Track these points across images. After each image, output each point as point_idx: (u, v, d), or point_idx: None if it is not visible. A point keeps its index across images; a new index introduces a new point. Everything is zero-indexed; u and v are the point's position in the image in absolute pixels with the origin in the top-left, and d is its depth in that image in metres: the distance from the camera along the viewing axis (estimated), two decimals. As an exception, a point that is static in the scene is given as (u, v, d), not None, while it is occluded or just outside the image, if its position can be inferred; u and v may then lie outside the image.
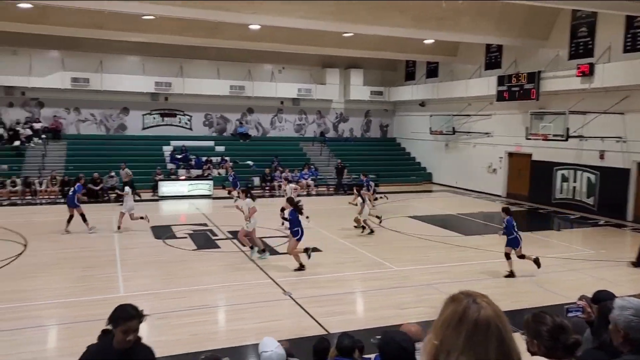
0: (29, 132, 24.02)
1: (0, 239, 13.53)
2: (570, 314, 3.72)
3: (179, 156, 25.18)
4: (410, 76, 29.90)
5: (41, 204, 19.58)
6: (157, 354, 3.62)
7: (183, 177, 23.19)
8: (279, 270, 11.18)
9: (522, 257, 10.92)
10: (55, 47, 24.29)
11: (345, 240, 14.26)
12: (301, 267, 11.12)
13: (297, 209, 11.28)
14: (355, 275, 11.36)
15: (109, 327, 3.37)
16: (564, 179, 20.17)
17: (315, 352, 4.56)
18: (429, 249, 13.61)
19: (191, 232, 15.14)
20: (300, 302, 9.22)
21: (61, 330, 7.97)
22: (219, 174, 24.69)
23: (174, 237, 14.45)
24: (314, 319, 8.44)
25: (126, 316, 3.32)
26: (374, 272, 11.46)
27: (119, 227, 14.81)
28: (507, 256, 10.93)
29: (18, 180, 20.65)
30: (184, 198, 21.73)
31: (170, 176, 23.37)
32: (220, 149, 26.89)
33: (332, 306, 9.12)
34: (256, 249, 12.28)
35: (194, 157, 25.32)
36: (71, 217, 14.45)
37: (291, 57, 26.73)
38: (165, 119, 27.34)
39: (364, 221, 15.17)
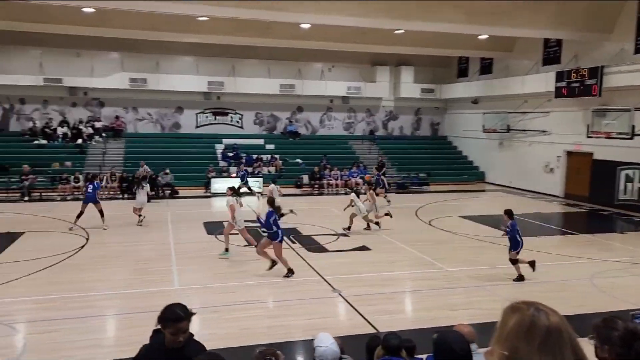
0: (90, 130, 25.18)
1: (64, 232, 14.24)
2: (637, 320, 3.51)
3: (230, 154, 25.69)
4: (462, 73, 29.23)
5: (101, 199, 20.28)
6: (210, 347, 3.67)
7: (234, 175, 23.63)
8: (328, 267, 11.18)
9: (515, 262, 10.32)
10: (115, 49, 25.33)
11: (394, 239, 14.10)
12: (289, 272, 10.42)
13: (276, 211, 10.61)
14: (405, 274, 11.21)
15: (159, 327, 3.36)
16: (629, 179, 19.13)
17: (368, 350, 4.52)
18: (481, 249, 13.26)
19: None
20: (349, 300, 9.19)
21: (120, 320, 8.29)
22: (268, 171, 25.01)
23: (225, 233, 14.73)
24: (363, 317, 8.40)
25: (175, 318, 3.29)
26: (424, 271, 11.28)
27: (140, 222, 15.30)
28: (514, 262, 10.38)
29: (80, 177, 21.64)
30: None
31: (222, 173, 23.87)
32: (270, 147, 27.23)
33: (382, 305, 9.04)
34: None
35: (244, 155, 25.75)
36: (82, 213, 14.65)
37: (341, 55, 26.70)
38: (218, 117, 27.97)
39: (364, 217, 14.81)
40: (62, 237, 13.66)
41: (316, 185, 24.01)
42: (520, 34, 19.56)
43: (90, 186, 15.10)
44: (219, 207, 20.14)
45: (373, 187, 16.49)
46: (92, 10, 17.91)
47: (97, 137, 25.10)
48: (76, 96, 25.77)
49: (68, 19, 18.91)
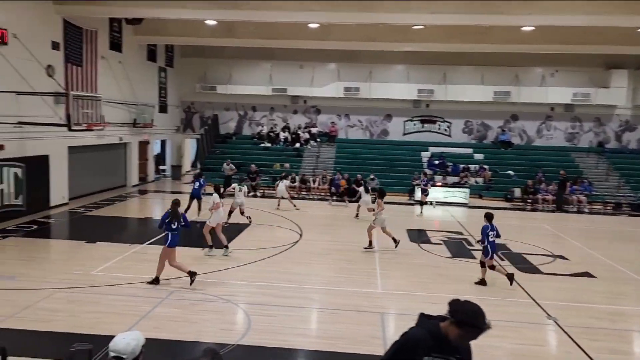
0: (307, 135, 27.45)
1: (283, 227, 15.68)
2: None
3: (437, 162, 25.33)
4: None
5: (313, 199, 22.02)
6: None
7: (439, 184, 23.22)
8: (542, 291, 10.14)
9: (492, 267, 10.40)
10: (333, 60, 27.21)
11: (626, 269, 12.13)
12: (155, 281, 9.51)
13: (172, 214, 9.59)
14: (640, 311, 9.54)
15: (450, 318, 3.14)
16: None
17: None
18: None
19: (445, 239, 15.01)
20: (567, 330, 8.17)
21: (326, 314, 8.70)
22: (476, 182, 23.98)
23: (428, 242, 14.53)
24: (585, 352, 7.37)
25: (485, 328, 3.11)
26: (668, 312, 9.43)
27: (226, 223, 14.51)
28: (482, 264, 10.51)
29: (297, 177, 23.68)
30: (439, 204, 21.74)
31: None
32: (479, 156, 26.09)
33: (609, 342, 7.82)
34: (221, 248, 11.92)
35: (451, 164, 25.14)
36: (189, 207, 15.67)
37: (566, 59, 24.27)
38: (425, 125, 27.88)
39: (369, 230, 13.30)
40: (280, 231, 15.06)
41: (529, 200, 22.15)
42: None
43: (197, 183, 16.15)
44: (422, 216, 20.02)
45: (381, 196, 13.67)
46: (316, 25, 19.48)
47: (312, 142, 27.24)
48: (297, 104, 28.39)
49: (295, 34, 20.93)
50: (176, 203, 9.82)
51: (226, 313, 8.45)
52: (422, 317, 3.35)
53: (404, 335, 3.32)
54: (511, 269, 11.78)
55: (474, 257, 12.85)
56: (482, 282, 10.51)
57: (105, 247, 12.28)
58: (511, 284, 10.30)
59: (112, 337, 3.16)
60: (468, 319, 3.12)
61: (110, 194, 20.61)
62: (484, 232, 10.30)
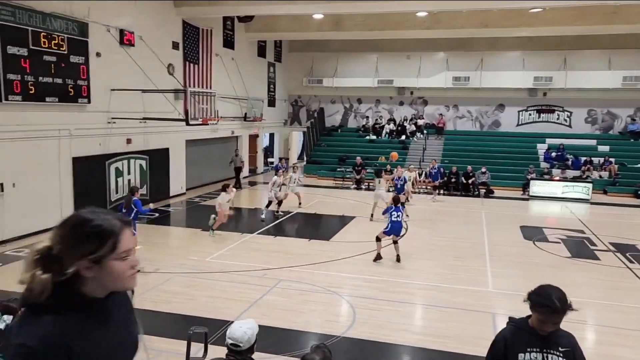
0: (413, 127, 26.86)
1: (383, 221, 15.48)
2: None
3: (554, 155, 23.57)
4: None
5: (419, 193, 21.47)
6: None
7: (557, 178, 21.57)
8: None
9: (395, 242, 11.17)
10: (441, 49, 26.30)
11: None
12: None
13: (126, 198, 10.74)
14: None
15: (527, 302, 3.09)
16: None
17: None
18: None
19: (564, 237, 13.90)
20: None
21: (432, 311, 8.43)
22: (600, 176, 21.95)
23: (545, 240, 13.55)
24: None
25: (556, 307, 2.97)
26: None
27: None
28: (377, 239, 11.07)
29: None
30: (557, 200, 20.23)
31: (543, 175, 22.10)
32: (603, 148, 23.83)
33: None
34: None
35: (571, 156, 23.25)
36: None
37: None
38: (542, 115, 26.03)
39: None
40: (385, 224, 14.85)
41: (663, 197, 19.83)
42: None
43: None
44: (538, 212, 18.75)
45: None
46: (424, 13, 18.92)
47: (418, 134, 26.61)
48: (403, 95, 27.87)
49: (402, 24, 20.49)
50: (131, 190, 10.59)
51: (332, 304, 8.51)
52: (511, 319, 3.33)
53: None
54: (643, 273, 10.64)
55: (597, 259, 11.79)
56: (378, 256, 11.04)
57: (218, 235, 12.96)
58: (374, 260, 10.95)
59: (225, 321, 3.27)
60: (538, 298, 3.02)
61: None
62: (388, 211, 11.27)
